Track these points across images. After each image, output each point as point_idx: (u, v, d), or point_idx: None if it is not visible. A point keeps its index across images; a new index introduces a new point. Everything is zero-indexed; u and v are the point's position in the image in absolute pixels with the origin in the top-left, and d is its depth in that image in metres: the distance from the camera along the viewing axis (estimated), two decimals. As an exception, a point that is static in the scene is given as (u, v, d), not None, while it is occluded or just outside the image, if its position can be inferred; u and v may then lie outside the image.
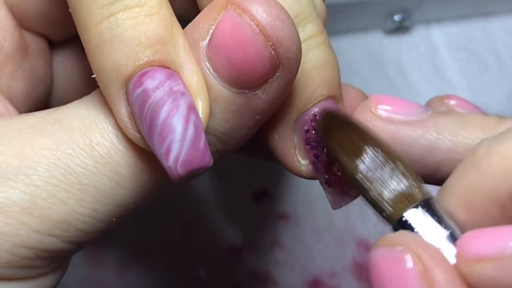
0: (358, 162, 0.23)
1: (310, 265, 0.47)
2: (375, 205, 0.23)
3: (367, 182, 0.23)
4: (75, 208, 0.23)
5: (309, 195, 0.48)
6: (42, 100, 0.30)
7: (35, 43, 0.29)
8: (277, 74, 0.23)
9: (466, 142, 0.24)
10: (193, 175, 0.22)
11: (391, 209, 0.22)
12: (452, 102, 0.27)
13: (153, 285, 0.47)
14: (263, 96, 0.23)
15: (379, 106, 0.26)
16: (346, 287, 0.46)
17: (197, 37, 0.23)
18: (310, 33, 0.24)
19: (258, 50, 0.22)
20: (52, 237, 0.23)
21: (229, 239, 0.47)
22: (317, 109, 0.25)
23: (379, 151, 0.23)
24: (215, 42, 0.22)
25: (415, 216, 0.22)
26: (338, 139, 0.24)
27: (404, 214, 0.22)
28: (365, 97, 0.28)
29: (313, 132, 0.25)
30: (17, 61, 0.28)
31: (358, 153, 0.23)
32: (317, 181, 0.49)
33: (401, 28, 0.50)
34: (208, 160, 0.22)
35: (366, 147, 0.23)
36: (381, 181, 0.23)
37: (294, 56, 0.23)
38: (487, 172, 0.21)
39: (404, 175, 0.23)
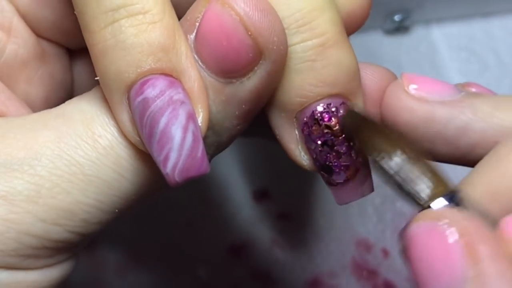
0: (394, 147, 0.23)
1: (310, 265, 0.47)
2: (409, 189, 0.23)
3: (407, 164, 0.23)
4: (79, 198, 0.23)
5: (309, 195, 0.48)
6: None
7: (52, 49, 0.29)
8: (261, 62, 0.23)
9: (502, 124, 0.24)
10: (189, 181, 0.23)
11: (424, 195, 0.22)
12: (473, 90, 0.27)
13: (153, 285, 0.47)
14: (248, 85, 0.24)
15: (412, 85, 0.25)
16: (346, 287, 0.46)
17: (185, 30, 0.23)
18: (303, 36, 0.24)
19: (240, 39, 0.23)
20: (57, 226, 0.23)
21: (229, 239, 0.47)
22: (317, 107, 0.25)
23: (410, 146, 0.23)
24: (201, 34, 0.23)
25: (445, 205, 0.22)
26: (372, 129, 0.24)
27: (435, 202, 0.22)
28: (393, 75, 0.28)
29: (310, 129, 0.25)
30: (34, 67, 0.28)
31: (392, 143, 0.23)
32: (317, 181, 0.49)
33: (401, 28, 0.50)
34: (205, 168, 0.23)
35: (399, 142, 0.23)
36: (416, 169, 0.23)
37: (275, 47, 0.23)
38: (509, 170, 0.22)
39: (434, 168, 0.23)
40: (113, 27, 0.22)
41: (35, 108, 0.28)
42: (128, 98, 0.23)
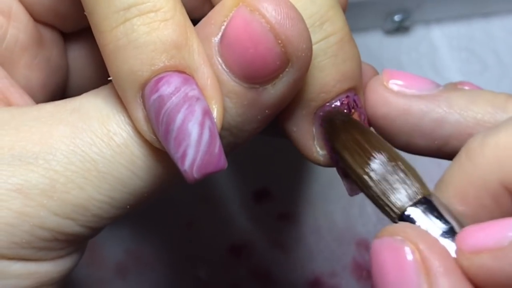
0: (362, 161, 0.24)
1: (310, 265, 0.47)
2: (378, 202, 0.23)
3: (370, 180, 0.23)
4: (92, 194, 0.23)
5: (309, 195, 0.48)
6: (59, 89, 0.31)
7: (48, 34, 0.29)
8: (287, 70, 0.23)
9: (476, 116, 0.25)
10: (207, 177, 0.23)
11: (393, 206, 0.23)
12: (466, 88, 0.27)
13: (153, 284, 0.47)
14: (273, 91, 0.24)
15: (391, 80, 0.26)
16: (346, 287, 0.46)
17: (209, 33, 0.23)
18: (327, 32, 0.25)
19: (269, 47, 0.23)
20: (70, 220, 0.23)
21: (229, 239, 0.47)
22: (337, 102, 0.25)
23: (382, 151, 0.24)
24: (227, 39, 0.23)
25: (416, 212, 0.22)
26: (342, 139, 0.25)
27: (406, 210, 0.23)
28: (375, 71, 0.28)
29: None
30: (33, 51, 0.28)
31: (362, 153, 0.24)
32: (317, 181, 0.49)
33: (401, 28, 0.50)
34: (222, 163, 0.23)
35: (369, 148, 0.24)
36: (384, 179, 0.23)
37: (303, 54, 0.23)
38: (480, 163, 0.22)
39: (406, 174, 0.23)
40: (124, 26, 0.22)
41: (33, 94, 0.28)
42: (143, 96, 0.23)
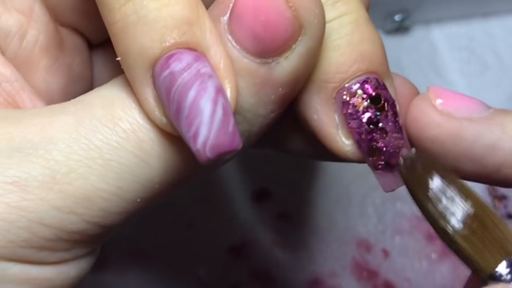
0: (450, 214, 0.22)
1: (310, 265, 0.47)
2: (469, 259, 0.22)
3: (463, 238, 0.22)
4: (97, 184, 0.22)
5: (309, 195, 0.48)
6: None
7: (71, 39, 0.28)
8: (300, 39, 0.22)
9: None
10: (221, 159, 0.21)
11: (484, 263, 0.22)
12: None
13: (153, 285, 0.47)
14: (286, 65, 0.22)
15: (439, 100, 0.24)
16: (346, 287, 0.46)
17: (218, 13, 0.22)
18: (340, 11, 0.24)
19: (280, 12, 0.22)
20: (73, 215, 0.22)
21: (229, 239, 0.47)
22: (356, 84, 0.24)
23: (469, 199, 0.22)
24: (236, 11, 0.22)
25: (506, 270, 0.22)
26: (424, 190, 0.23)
27: (497, 269, 0.21)
28: (414, 87, 0.27)
29: (352, 106, 0.24)
30: (53, 55, 0.27)
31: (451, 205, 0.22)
32: (317, 181, 0.49)
33: (401, 28, 0.50)
34: (237, 143, 0.21)
35: (458, 197, 0.23)
36: (474, 234, 0.22)
37: (316, 20, 0.22)
38: None
39: (496, 226, 0.22)
40: (134, 2, 0.21)
41: (53, 99, 0.27)
42: (153, 75, 0.22)
